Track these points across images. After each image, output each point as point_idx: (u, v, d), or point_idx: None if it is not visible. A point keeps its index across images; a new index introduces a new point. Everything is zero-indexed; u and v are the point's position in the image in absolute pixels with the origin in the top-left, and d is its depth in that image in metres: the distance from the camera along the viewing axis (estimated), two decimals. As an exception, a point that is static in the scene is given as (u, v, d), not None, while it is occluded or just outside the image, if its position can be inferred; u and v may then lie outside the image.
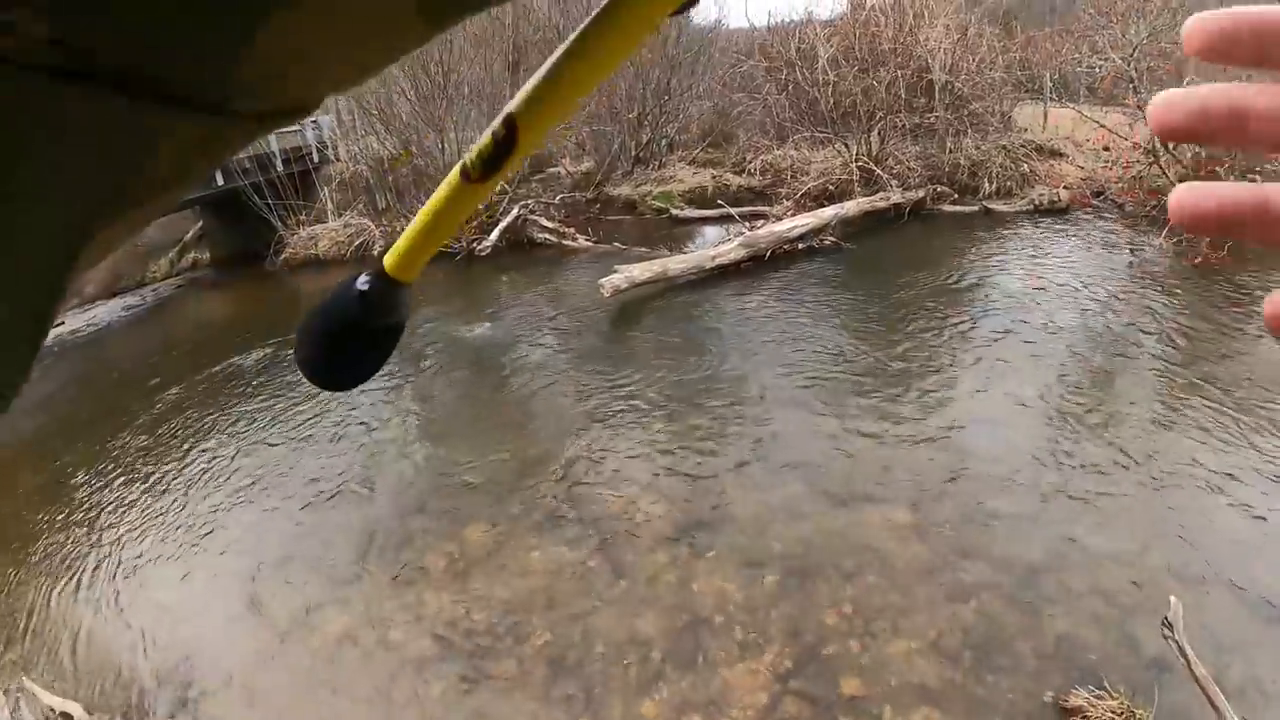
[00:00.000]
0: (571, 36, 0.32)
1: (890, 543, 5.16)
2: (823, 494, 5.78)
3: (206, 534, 6.30)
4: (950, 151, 14.51)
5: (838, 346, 8.33)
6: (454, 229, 0.40)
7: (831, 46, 15.09)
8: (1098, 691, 3.93)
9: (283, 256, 16.13)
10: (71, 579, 6.09)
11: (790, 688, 4.17)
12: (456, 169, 0.37)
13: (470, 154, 0.36)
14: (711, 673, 4.31)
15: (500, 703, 4.33)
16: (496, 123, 0.35)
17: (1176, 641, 3.78)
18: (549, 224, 14.48)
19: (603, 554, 5.37)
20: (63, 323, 15.64)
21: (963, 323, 8.68)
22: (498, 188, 0.35)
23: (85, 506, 7.13)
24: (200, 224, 19.26)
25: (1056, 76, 17.16)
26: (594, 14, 0.32)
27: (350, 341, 0.44)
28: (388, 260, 0.41)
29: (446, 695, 4.43)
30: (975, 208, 13.84)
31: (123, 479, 7.49)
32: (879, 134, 14.70)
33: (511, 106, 0.35)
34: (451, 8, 0.27)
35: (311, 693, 4.58)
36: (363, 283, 0.43)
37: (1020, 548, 5.02)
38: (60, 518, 7.00)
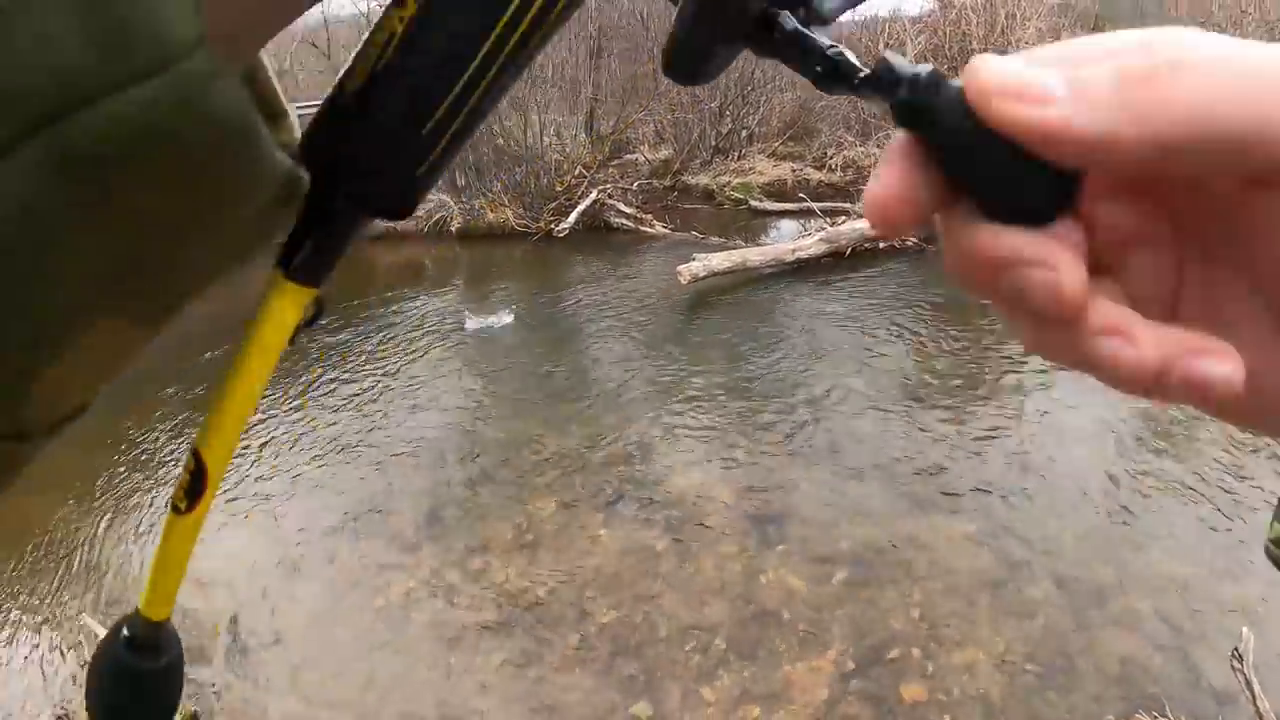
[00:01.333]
0: (231, 362, 0.39)
1: (958, 551, 5.13)
2: (893, 496, 5.76)
3: (268, 488, 6.43)
4: (1037, 156, 14.14)
5: (916, 349, 8.25)
6: (185, 563, 0.44)
7: (920, 43, 14.86)
8: (1160, 718, 3.88)
9: (361, 229, 16.33)
10: (131, 522, 6.24)
11: (852, 688, 4.19)
12: (169, 510, 0.42)
13: (175, 492, 0.42)
14: (773, 666, 4.35)
15: (560, 677, 4.42)
16: (187, 457, 0.41)
17: (1244, 673, 3.71)
18: (626, 209, 14.50)
19: (670, 539, 5.44)
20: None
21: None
22: (207, 512, 0.43)
23: (146, 454, 7.26)
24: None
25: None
26: (239, 341, 0.38)
27: (133, 693, 0.47)
28: (141, 604, 0.45)
29: (507, 665, 4.53)
30: (1060, 215, 13.46)
31: (184, 431, 7.62)
32: (966, 135, 14.41)
33: (195, 440, 0.41)
34: (162, 315, 0.32)
35: (371, 651, 4.70)
36: (125, 632, 0.46)
37: (1087, 566, 4.94)
38: (121, 462, 7.11)
